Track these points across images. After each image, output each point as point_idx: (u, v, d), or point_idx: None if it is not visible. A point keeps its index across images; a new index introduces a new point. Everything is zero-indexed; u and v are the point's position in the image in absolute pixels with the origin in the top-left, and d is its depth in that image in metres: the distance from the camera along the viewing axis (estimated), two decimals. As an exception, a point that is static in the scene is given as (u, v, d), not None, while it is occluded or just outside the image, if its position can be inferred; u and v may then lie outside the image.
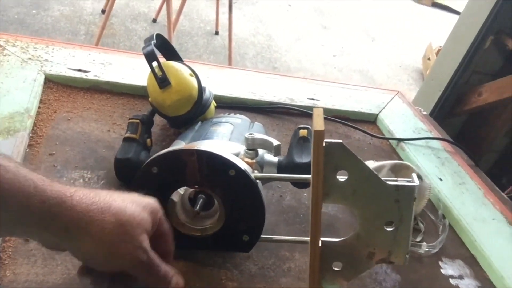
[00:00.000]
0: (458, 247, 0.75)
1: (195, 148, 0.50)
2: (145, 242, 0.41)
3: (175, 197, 0.54)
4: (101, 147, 0.70)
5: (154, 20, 3.27)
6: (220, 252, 0.58)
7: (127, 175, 0.61)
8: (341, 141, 0.47)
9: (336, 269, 0.52)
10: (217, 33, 3.42)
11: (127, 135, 0.64)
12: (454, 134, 1.86)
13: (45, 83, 0.78)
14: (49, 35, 2.69)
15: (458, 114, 1.66)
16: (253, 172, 0.53)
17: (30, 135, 0.67)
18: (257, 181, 0.52)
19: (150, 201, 0.44)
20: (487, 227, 0.78)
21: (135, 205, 0.42)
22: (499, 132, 1.82)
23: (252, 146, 0.58)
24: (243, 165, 0.51)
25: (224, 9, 2.69)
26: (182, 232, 0.54)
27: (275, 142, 0.57)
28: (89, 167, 0.65)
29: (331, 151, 0.47)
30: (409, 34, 5.03)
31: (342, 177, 0.48)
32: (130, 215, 0.40)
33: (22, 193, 0.36)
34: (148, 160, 0.51)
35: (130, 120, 0.67)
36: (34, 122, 0.69)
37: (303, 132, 0.63)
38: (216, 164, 0.50)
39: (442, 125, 1.73)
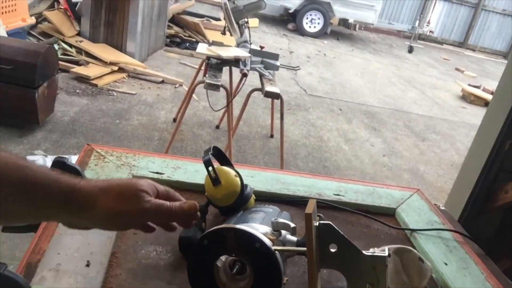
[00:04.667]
0: (457, 321, 0.88)
1: (232, 226, 0.73)
2: (145, 196, 0.54)
3: (219, 263, 0.76)
4: (169, 229, 0.94)
5: (217, 127, 3.71)
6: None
7: (187, 249, 0.84)
8: (330, 222, 0.68)
9: (335, 321, 0.70)
10: (272, 136, 3.78)
11: (188, 220, 0.89)
12: (493, 230, 1.93)
13: (132, 182, 1.06)
14: (128, 140, 3.17)
15: (488, 211, 1.76)
16: (273, 245, 0.74)
17: (121, 219, 0.93)
18: (276, 252, 0.73)
19: (143, 180, 0.58)
20: (486, 306, 0.91)
21: (134, 180, 0.57)
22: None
23: (276, 228, 0.80)
24: (266, 240, 0.73)
25: (278, 115, 3.04)
26: (223, 289, 0.75)
27: (292, 225, 0.79)
28: (161, 243, 0.90)
29: (323, 229, 0.68)
30: (461, 132, 5.13)
31: (333, 249, 0.68)
32: (127, 184, 0.55)
33: (45, 185, 0.51)
34: (202, 235, 0.74)
35: (191, 209, 0.92)
36: (124, 210, 0.96)
37: (316, 218, 0.85)
38: (246, 238, 0.72)
39: (478, 220, 1.83)
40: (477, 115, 5.95)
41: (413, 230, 1.12)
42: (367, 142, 4.21)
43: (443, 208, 1.29)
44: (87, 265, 0.78)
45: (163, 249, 0.88)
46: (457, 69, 9.34)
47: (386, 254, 0.67)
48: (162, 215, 0.57)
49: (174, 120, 3.61)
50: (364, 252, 0.67)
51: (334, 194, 1.20)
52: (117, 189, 0.54)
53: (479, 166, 1.70)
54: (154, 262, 0.85)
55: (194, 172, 1.14)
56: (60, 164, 0.73)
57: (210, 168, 0.94)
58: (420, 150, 4.34)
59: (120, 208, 0.53)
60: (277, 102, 3.08)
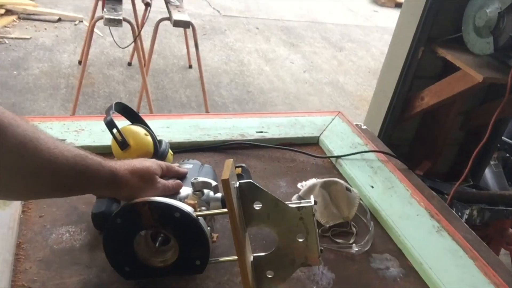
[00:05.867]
0: (386, 243, 0.90)
1: (146, 199, 0.66)
2: (157, 179, 0.70)
3: (138, 238, 0.69)
4: (81, 204, 0.85)
5: (130, 64, 3.45)
6: (181, 276, 0.73)
7: (103, 225, 0.76)
8: (251, 180, 0.63)
9: (269, 276, 0.68)
10: (190, 66, 3.60)
11: (100, 192, 0.80)
12: (411, 136, 2.03)
13: (29, 156, 0.93)
14: (32, 93, 2.86)
15: (408, 118, 1.83)
16: (195, 211, 0.68)
17: (23, 203, 0.82)
18: (199, 217, 0.67)
19: (152, 162, 0.72)
20: (411, 223, 0.94)
21: (147, 162, 0.71)
22: (453, 126, 1.98)
23: (197, 188, 0.74)
24: (185, 207, 0.67)
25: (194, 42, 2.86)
26: (148, 265, 0.69)
27: (213, 183, 0.73)
28: (73, 222, 0.81)
29: (246, 188, 0.63)
30: (375, 37, 5.24)
31: (258, 206, 0.64)
32: (144, 168, 0.69)
33: (96, 170, 0.62)
34: (113, 214, 0.66)
35: (101, 179, 0.82)
36: (24, 191, 0.84)
37: (238, 170, 0.79)
38: (163, 210, 0.65)
39: (397, 129, 1.90)
40: (388, 17, 6.07)
41: (337, 157, 1.11)
42: (287, 60, 4.16)
43: (364, 127, 1.30)
44: (-13, 267, 0.68)
45: (76, 228, 0.80)
46: (367, -28, 9.33)
47: (312, 203, 0.63)
48: (165, 192, 0.71)
49: (80, 62, 3.29)
50: (289, 204, 0.63)
51: (257, 132, 1.15)
52: (140, 172, 0.68)
53: (395, 77, 1.72)
54: (68, 246, 0.76)
55: (100, 132, 1.02)
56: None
57: (115, 130, 0.83)
58: (338, 61, 4.40)
59: (142, 187, 0.68)
60: (190, 29, 2.88)
